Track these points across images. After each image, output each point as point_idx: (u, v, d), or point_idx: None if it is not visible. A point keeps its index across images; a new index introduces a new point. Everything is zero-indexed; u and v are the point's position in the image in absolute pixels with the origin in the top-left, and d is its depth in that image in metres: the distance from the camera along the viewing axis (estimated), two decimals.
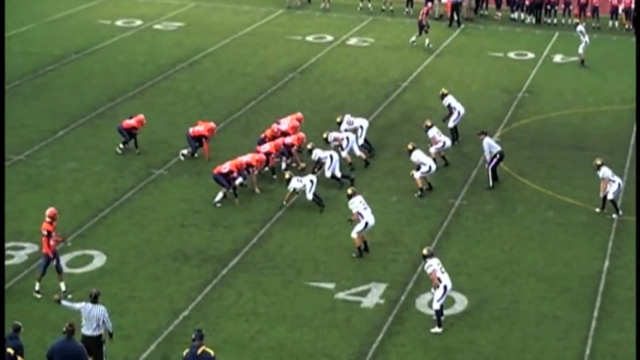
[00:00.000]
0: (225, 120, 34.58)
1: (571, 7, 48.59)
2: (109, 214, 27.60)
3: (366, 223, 25.45)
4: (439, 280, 22.13)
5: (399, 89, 38.60)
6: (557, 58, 43.17)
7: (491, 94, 38.02)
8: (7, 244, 24.79)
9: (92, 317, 19.57)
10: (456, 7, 47.60)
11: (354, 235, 25.51)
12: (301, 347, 21.58)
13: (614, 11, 48.07)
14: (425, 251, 22.65)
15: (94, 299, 19.72)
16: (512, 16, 49.44)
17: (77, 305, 19.93)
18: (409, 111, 36.16)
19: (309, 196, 27.90)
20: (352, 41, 45.06)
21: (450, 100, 33.04)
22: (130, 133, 31.43)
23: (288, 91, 38.22)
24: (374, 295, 23.70)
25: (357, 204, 25.59)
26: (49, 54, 41.74)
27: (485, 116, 35.73)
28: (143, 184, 29.52)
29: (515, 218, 28.01)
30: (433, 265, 22.26)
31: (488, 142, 29.96)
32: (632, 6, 47.49)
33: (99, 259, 25.05)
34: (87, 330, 19.60)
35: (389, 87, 38.82)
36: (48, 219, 23.07)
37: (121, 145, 31.46)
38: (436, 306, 22.15)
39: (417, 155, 29.13)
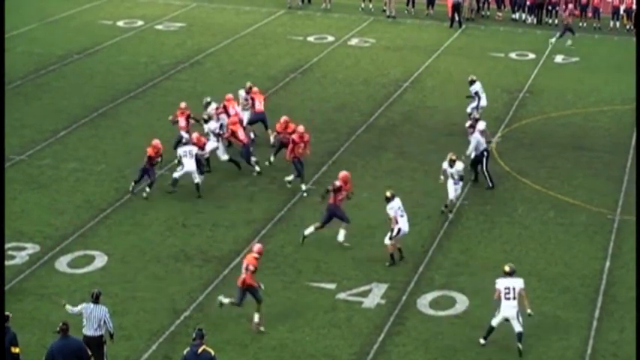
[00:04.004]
0: None
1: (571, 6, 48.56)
2: (110, 214, 27.62)
3: (399, 230, 24.86)
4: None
5: (400, 89, 38.62)
6: (558, 58, 43.19)
7: (493, 95, 37.95)
8: (9, 245, 24.82)
9: (93, 317, 19.54)
10: (457, 8, 47.63)
11: (386, 241, 24.97)
12: (302, 347, 21.60)
13: (615, 12, 48.09)
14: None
15: (96, 299, 19.69)
16: (514, 16, 49.46)
17: (78, 307, 19.90)
18: (410, 111, 36.18)
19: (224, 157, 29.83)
20: (353, 41, 45.07)
21: (477, 87, 33.51)
22: (151, 164, 28.61)
23: (289, 91, 38.24)
24: (375, 296, 23.71)
25: (396, 209, 24.82)
26: (50, 54, 41.78)
27: (486, 116, 35.58)
28: (145, 184, 29.52)
29: (516, 218, 28.03)
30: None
31: (477, 138, 29.88)
32: (634, 6, 47.51)
33: (100, 259, 25.07)
34: (88, 330, 19.57)
35: (390, 87, 38.83)
36: (255, 254, 22.17)
37: (133, 184, 28.92)
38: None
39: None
